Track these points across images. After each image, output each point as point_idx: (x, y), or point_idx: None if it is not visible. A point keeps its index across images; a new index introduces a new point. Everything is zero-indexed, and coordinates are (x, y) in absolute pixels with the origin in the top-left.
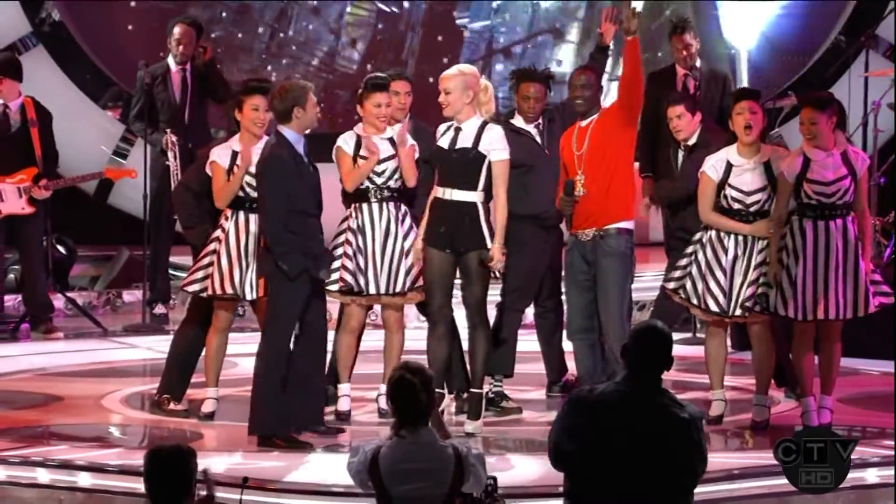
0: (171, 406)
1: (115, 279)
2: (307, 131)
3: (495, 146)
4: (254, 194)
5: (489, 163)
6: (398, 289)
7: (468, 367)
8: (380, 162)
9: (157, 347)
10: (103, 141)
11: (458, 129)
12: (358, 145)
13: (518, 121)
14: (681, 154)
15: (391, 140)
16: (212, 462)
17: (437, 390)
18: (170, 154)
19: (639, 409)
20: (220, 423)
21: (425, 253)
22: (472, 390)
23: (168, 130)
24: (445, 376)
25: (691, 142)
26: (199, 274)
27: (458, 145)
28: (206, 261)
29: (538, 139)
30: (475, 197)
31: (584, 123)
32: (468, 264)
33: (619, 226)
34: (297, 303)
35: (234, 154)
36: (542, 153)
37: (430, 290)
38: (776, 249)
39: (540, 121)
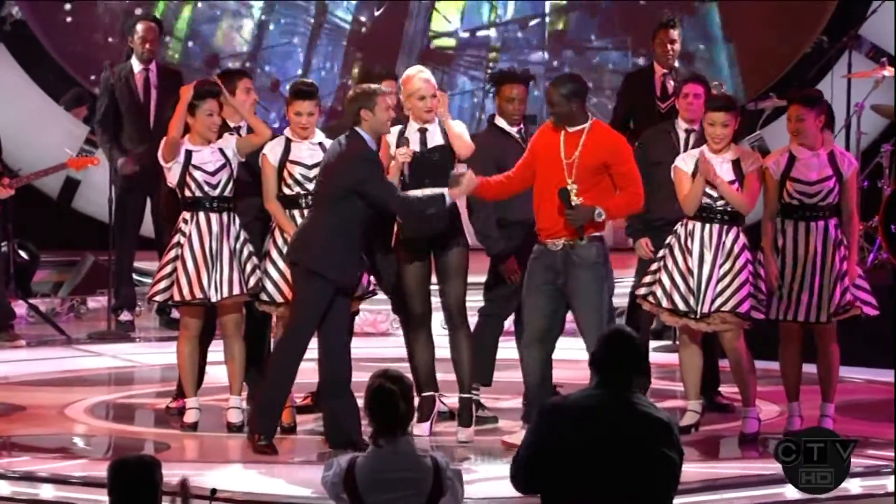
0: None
1: (79, 285)
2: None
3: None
4: (213, 194)
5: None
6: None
7: (456, 372)
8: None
9: (122, 355)
10: (67, 143)
11: (422, 130)
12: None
13: (501, 123)
14: None
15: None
16: (180, 473)
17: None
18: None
19: (615, 412)
20: (189, 433)
21: (402, 261)
22: (462, 395)
23: (128, 151)
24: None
25: None
26: (164, 283)
27: (430, 144)
28: (168, 269)
29: (521, 143)
30: None
31: (571, 129)
32: (447, 262)
33: (591, 235)
34: (313, 305)
35: (189, 154)
36: None
37: (410, 299)
38: (770, 248)
39: (522, 125)
